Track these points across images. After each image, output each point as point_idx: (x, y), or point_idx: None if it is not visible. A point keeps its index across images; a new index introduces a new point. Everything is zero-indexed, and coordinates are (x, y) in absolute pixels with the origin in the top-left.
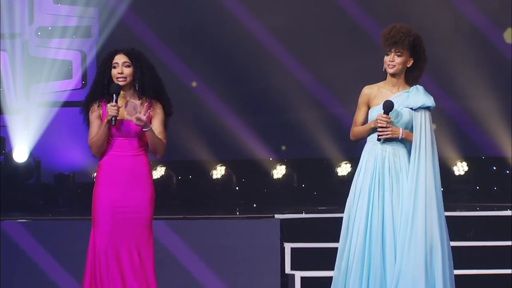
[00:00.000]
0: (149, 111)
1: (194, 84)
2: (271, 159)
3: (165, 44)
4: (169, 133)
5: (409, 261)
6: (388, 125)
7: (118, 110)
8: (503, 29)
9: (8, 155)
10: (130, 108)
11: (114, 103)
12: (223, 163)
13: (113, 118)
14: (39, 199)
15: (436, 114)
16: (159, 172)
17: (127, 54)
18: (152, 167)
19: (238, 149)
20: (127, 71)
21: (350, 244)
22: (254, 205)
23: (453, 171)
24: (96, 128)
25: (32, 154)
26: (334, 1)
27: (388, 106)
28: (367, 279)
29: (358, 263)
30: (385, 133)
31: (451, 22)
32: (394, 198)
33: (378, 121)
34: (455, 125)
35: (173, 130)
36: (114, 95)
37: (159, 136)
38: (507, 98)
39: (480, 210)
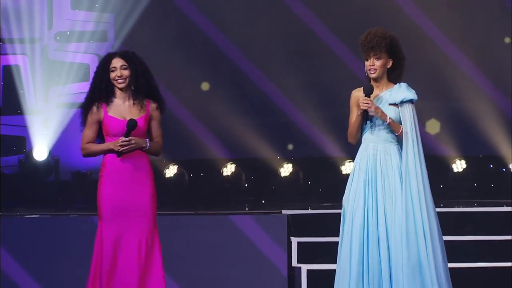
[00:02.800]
0: (148, 113)
1: (205, 85)
2: (278, 157)
3: (177, 46)
4: (182, 133)
5: (403, 256)
6: (371, 105)
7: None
8: (503, 29)
9: (28, 154)
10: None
11: (127, 140)
12: (233, 161)
13: (119, 152)
14: (58, 196)
15: (437, 113)
16: (172, 170)
17: (123, 57)
18: (165, 165)
19: (247, 148)
20: (126, 73)
21: (351, 242)
22: (263, 201)
23: (452, 169)
24: (91, 132)
25: (51, 153)
26: (337, 2)
27: (367, 88)
28: (367, 277)
29: (359, 261)
30: (371, 112)
31: (453, 22)
32: (386, 195)
33: (360, 103)
34: (454, 125)
35: (186, 130)
36: (129, 131)
37: (158, 139)
38: (504, 99)
39: (478, 206)
